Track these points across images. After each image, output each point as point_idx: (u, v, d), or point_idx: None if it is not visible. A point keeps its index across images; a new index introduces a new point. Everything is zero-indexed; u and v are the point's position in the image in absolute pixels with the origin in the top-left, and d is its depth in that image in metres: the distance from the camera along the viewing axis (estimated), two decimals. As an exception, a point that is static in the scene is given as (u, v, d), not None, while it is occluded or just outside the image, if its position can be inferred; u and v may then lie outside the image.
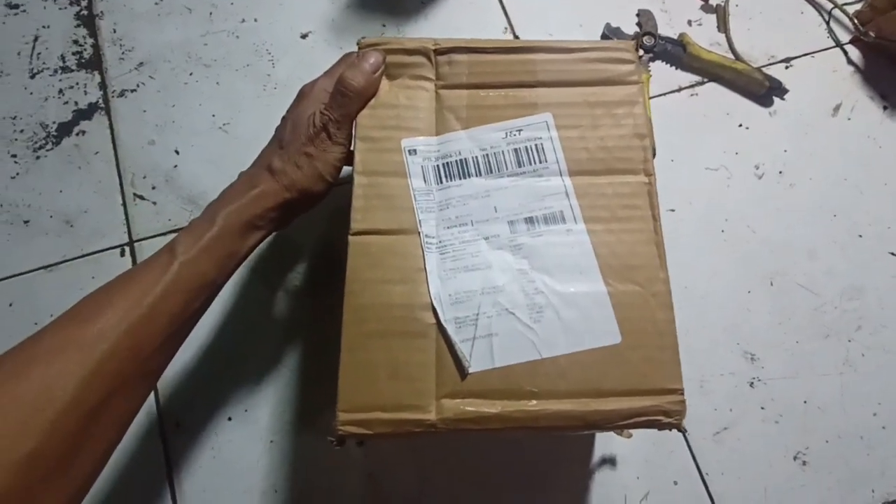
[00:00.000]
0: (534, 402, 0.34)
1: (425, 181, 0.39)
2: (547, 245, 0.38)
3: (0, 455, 0.26)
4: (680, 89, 0.59)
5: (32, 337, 0.30)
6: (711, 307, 0.52)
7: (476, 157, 0.40)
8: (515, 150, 0.40)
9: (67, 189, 0.55)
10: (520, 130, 0.40)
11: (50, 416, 0.28)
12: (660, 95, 0.59)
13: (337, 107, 0.39)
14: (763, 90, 0.58)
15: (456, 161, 0.40)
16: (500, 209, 0.39)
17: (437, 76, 0.41)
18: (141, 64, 0.60)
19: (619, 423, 0.34)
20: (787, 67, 0.60)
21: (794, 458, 0.49)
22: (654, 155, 0.54)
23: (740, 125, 0.58)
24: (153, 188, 0.56)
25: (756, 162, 0.57)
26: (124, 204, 0.55)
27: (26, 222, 0.54)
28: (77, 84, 0.59)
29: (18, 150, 0.57)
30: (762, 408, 0.50)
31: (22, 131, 0.57)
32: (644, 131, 0.40)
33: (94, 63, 0.60)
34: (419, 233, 0.38)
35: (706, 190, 0.56)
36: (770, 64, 0.60)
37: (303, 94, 0.42)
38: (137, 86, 0.59)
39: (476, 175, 0.39)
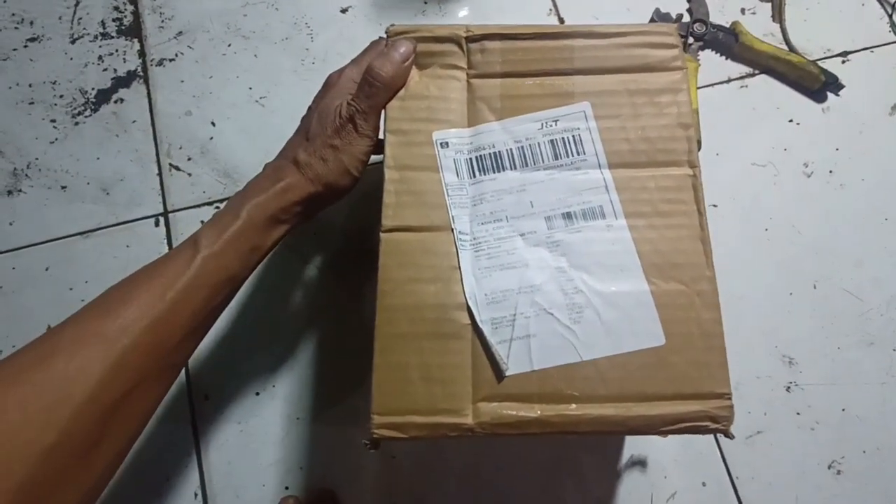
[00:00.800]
0: (574, 406, 0.32)
1: (458, 175, 0.37)
2: (586, 242, 0.36)
3: (21, 447, 0.26)
4: (729, 80, 0.56)
5: (55, 328, 0.30)
6: (750, 308, 0.50)
7: (510, 149, 0.38)
8: (552, 141, 0.38)
9: (105, 156, 0.55)
10: (556, 121, 0.38)
11: (71, 409, 0.27)
12: (707, 86, 0.56)
13: (364, 97, 0.37)
14: (817, 85, 0.55)
15: (489, 154, 0.38)
16: (537, 204, 0.37)
17: (469, 65, 0.39)
18: (180, 33, 0.59)
19: (664, 428, 0.32)
20: (843, 62, 0.56)
21: (829, 467, 0.47)
22: (699, 147, 0.51)
23: (791, 120, 0.55)
24: (189, 159, 0.55)
25: (805, 160, 0.54)
26: (160, 174, 0.55)
27: (64, 188, 0.54)
28: (116, 51, 0.59)
29: (58, 116, 0.57)
30: (798, 413, 0.48)
31: (62, 97, 0.57)
32: (689, 120, 0.38)
33: (134, 30, 0.59)
34: (452, 229, 0.36)
35: (751, 186, 0.53)
36: (826, 58, 0.56)
37: (329, 84, 0.40)
38: (176, 55, 0.58)
39: (511, 168, 0.37)
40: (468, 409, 0.32)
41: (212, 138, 0.56)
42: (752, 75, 0.56)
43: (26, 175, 0.55)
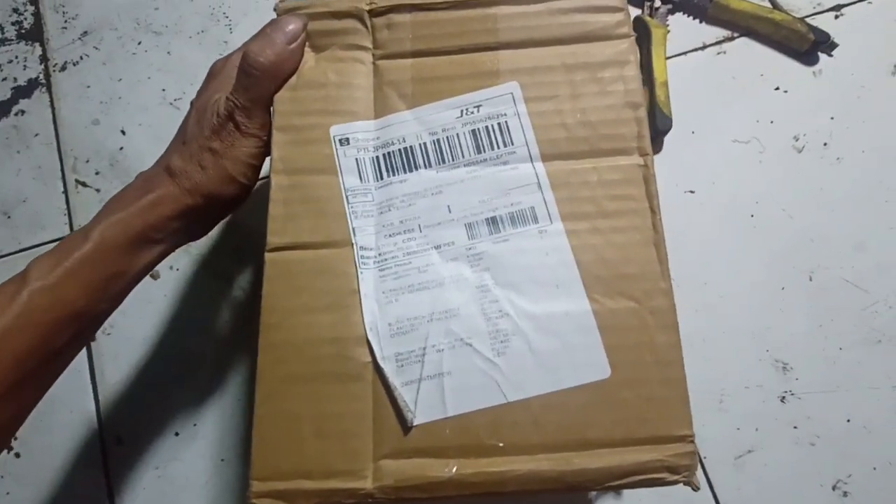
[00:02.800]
0: (499, 459, 0.25)
1: (361, 178, 0.30)
2: (514, 253, 0.28)
3: None
4: (704, 47, 0.48)
5: None
6: (736, 307, 0.42)
7: (424, 143, 0.30)
8: (473, 131, 0.30)
9: (4, 176, 0.49)
10: (478, 106, 0.30)
11: None
12: (679, 55, 0.47)
13: (243, 90, 0.30)
14: (806, 45, 0.46)
15: (399, 150, 0.30)
16: (456, 209, 0.29)
17: (375, 44, 0.32)
18: (85, 33, 0.52)
19: (611, 483, 0.25)
20: (836, 17, 0.48)
21: (834, 487, 0.39)
22: (669, 126, 0.44)
23: (777, 88, 0.46)
24: (97, 173, 0.49)
25: (795, 132, 0.45)
26: (66, 192, 0.49)
27: None
28: (17, 58, 0.52)
29: None
30: (795, 427, 0.40)
31: None
32: (638, 98, 0.30)
33: (35, 33, 0.53)
34: (353, 244, 0.29)
35: (733, 167, 0.45)
36: (816, 13, 0.48)
37: (212, 74, 0.33)
38: (81, 58, 0.52)
39: (425, 166, 0.30)
40: (368, 470, 0.26)
41: (122, 148, 0.49)
42: (731, 39, 0.48)
43: (-84, 200, 0.48)
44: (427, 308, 0.28)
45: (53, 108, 0.50)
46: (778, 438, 0.40)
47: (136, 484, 0.42)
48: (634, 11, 0.47)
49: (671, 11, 0.48)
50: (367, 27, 0.32)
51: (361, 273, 0.28)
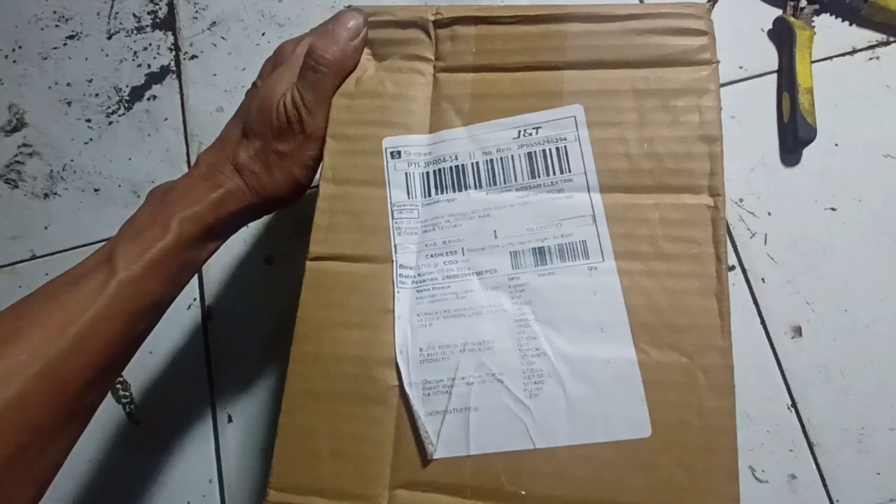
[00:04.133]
0: (519, 508, 0.23)
1: (409, 194, 0.29)
2: (560, 288, 0.26)
3: None
4: (854, 51, 0.42)
5: None
6: (881, 339, 0.37)
7: (477, 162, 0.28)
8: (529, 154, 0.28)
9: (136, 157, 0.51)
10: (537, 128, 0.28)
11: None
12: (824, 59, 0.42)
13: (309, 86, 0.29)
14: None
15: (451, 167, 0.29)
16: (502, 234, 0.27)
17: (437, 55, 0.30)
18: (214, 23, 0.54)
19: (638, 553, 0.22)
20: None
21: None
22: (813, 137, 0.39)
23: None
24: None
25: None
26: None
27: (97, 190, 0.51)
28: (150, 45, 0.55)
29: (93, 115, 0.53)
30: None
31: (97, 95, 0.54)
32: (715, 132, 0.27)
33: (168, 23, 0.55)
34: (393, 261, 0.27)
35: (882, 183, 0.40)
36: None
37: (279, 58, 0.32)
38: (209, 47, 0.53)
39: (475, 187, 0.28)
40: (383, 497, 0.24)
41: (242, 136, 0.50)
42: (886, 44, 0.42)
43: (62, 177, 0.52)
44: (461, 337, 0.26)
45: (182, 95, 0.52)
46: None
47: (243, 462, 0.42)
48: (775, 12, 0.43)
49: (818, 12, 0.43)
50: (430, 38, 0.30)
51: (398, 292, 0.27)
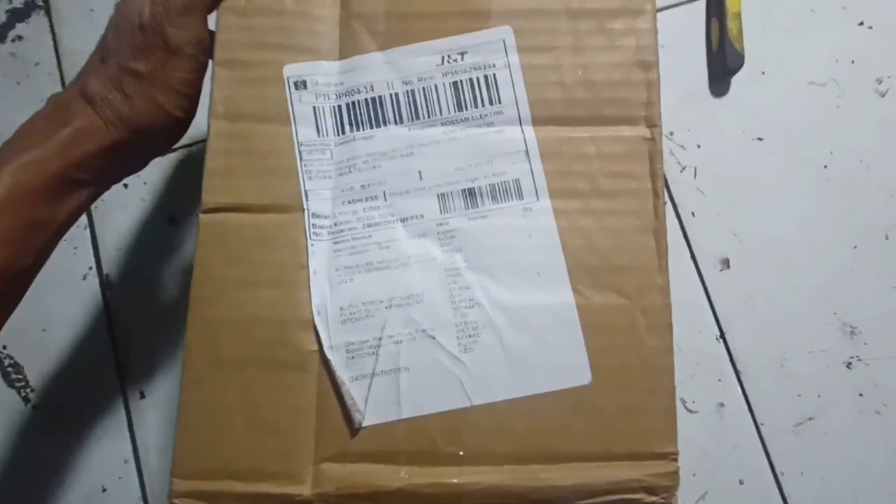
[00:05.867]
0: (458, 469, 0.21)
1: (318, 131, 0.24)
2: (493, 231, 0.23)
3: None
4: None
5: None
6: (803, 266, 0.37)
7: (396, 94, 0.24)
8: (455, 84, 0.24)
9: (6, 108, 0.42)
10: (463, 53, 0.24)
11: None
12: None
13: None
14: None
15: (366, 100, 0.24)
16: (428, 175, 0.24)
17: (344, -34, 0.25)
18: None
19: (581, 502, 0.21)
20: None
21: None
22: (740, 65, 0.36)
23: (861, 23, 0.39)
24: None
25: (879, 74, 0.39)
26: None
27: None
28: None
29: None
30: (860, 395, 0.36)
31: None
32: (651, 57, 0.24)
33: None
34: (304, 210, 0.23)
35: (807, 111, 0.39)
36: None
37: None
38: None
39: (395, 122, 0.24)
40: (306, 473, 0.21)
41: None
42: None
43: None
44: (387, 291, 0.23)
45: (54, 34, 0.42)
46: (841, 406, 0.36)
47: (161, 439, 0.37)
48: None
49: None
50: (335, -56, 0.25)
51: (312, 245, 0.23)
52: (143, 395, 0.38)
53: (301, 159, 0.24)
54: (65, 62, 0.42)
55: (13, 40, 0.43)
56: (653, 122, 0.24)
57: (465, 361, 0.22)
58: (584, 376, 0.22)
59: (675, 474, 0.21)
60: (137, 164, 0.28)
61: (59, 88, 0.42)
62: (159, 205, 0.39)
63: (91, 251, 0.39)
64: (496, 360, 0.22)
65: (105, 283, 0.39)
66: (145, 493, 0.37)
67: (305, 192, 0.24)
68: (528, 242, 0.23)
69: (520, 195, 0.24)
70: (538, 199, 0.23)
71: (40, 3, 0.43)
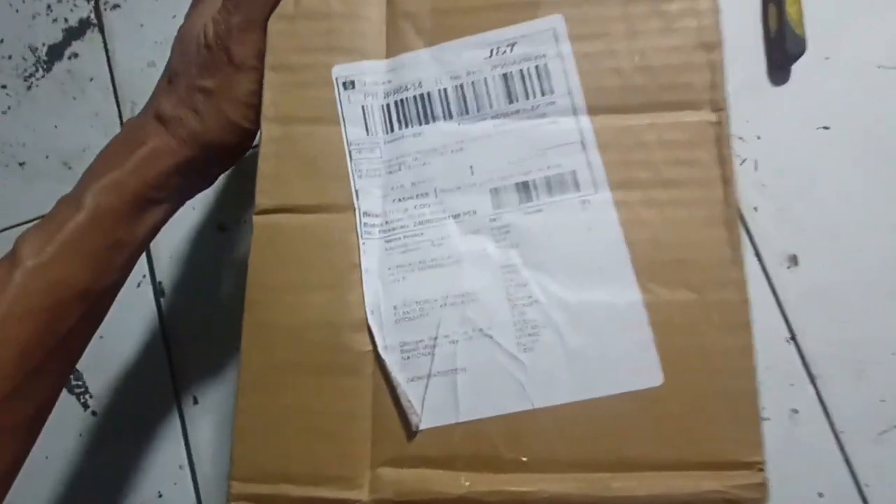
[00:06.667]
0: (521, 476, 0.20)
1: (368, 130, 0.24)
2: (549, 227, 0.22)
3: None
4: None
5: None
6: (877, 261, 0.34)
7: (444, 89, 0.24)
8: (505, 76, 0.24)
9: (63, 124, 0.44)
10: (512, 45, 0.24)
11: None
12: None
13: (233, 7, 0.24)
14: None
15: (415, 97, 0.24)
16: (480, 170, 0.23)
17: (390, -34, 0.25)
18: None
19: (655, 513, 0.19)
20: None
21: None
22: (803, 50, 0.34)
23: None
24: None
25: None
26: None
27: (21, 164, 0.44)
28: None
29: (8, 80, 0.45)
30: None
31: (10, 57, 0.46)
32: (714, 37, 0.23)
33: None
34: (355, 209, 0.23)
35: (876, 97, 0.35)
36: None
37: None
38: None
39: (444, 118, 0.24)
40: (363, 478, 0.21)
41: (181, 91, 0.43)
42: None
43: (-22, 153, 0.44)
44: (440, 290, 0.22)
45: (107, 50, 0.44)
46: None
47: (215, 445, 0.37)
48: None
49: None
50: (380, -56, 0.25)
51: (364, 244, 0.22)
52: (196, 401, 0.38)
53: (351, 159, 0.23)
54: (118, 76, 0.44)
55: (69, 58, 0.45)
56: (718, 106, 0.22)
57: (525, 361, 0.21)
58: (654, 378, 0.20)
59: (762, 486, 0.20)
60: (209, 180, 0.28)
61: (112, 103, 0.43)
62: (208, 213, 0.40)
63: (145, 260, 0.40)
64: (557, 360, 0.21)
65: (158, 290, 0.40)
66: (200, 499, 0.37)
67: (356, 190, 0.23)
68: (588, 237, 0.22)
69: (577, 187, 0.22)
70: (596, 191, 0.22)
71: (94, 21, 0.45)
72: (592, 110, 0.23)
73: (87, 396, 0.39)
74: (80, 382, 0.39)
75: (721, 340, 0.21)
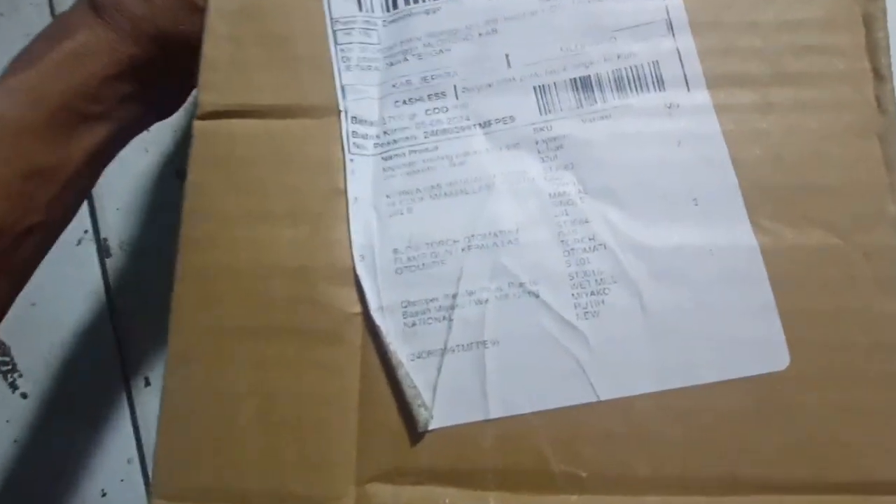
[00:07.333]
0: (576, 499, 0.14)
1: (360, 2, 0.17)
2: (620, 139, 0.15)
3: None
4: None
5: None
6: None
7: (470, -54, 0.17)
8: (557, -74, 0.17)
9: None
10: None
11: None
12: None
13: None
14: None
15: (427, -42, 0.17)
16: (519, 60, 0.16)
17: None
18: None
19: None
20: None
21: None
22: None
23: None
24: None
25: None
26: None
27: None
28: None
29: None
30: None
31: None
32: None
33: None
34: (340, 113, 0.16)
35: None
36: None
37: None
38: None
39: (469, -13, 0.17)
40: (347, 497, 0.14)
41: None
42: None
43: None
44: (463, 226, 0.15)
45: None
46: None
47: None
48: None
49: None
50: None
51: (352, 161, 0.16)
52: (148, 383, 0.32)
53: (336, 43, 0.17)
54: (55, -13, 0.37)
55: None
56: (868, -31, 0.16)
57: (586, 333, 0.14)
58: (778, 358, 0.14)
59: (937, 519, 0.13)
60: (166, 95, 0.21)
61: (48, 18, 0.36)
62: (165, 156, 0.33)
63: (86, 211, 0.33)
64: (633, 331, 0.14)
65: (103, 249, 0.33)
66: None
67: (342, 87, 0.16)
68: (678, 154, 0.15)
69: (661, 85, 0.16)
70: (689, 89, 0.16)
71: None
72: (682, -23, 0.16)
73: (15, 375, 0.32)
74: (6, 359, 0.32)
75: (874, 303, 0.14)
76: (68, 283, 0.32)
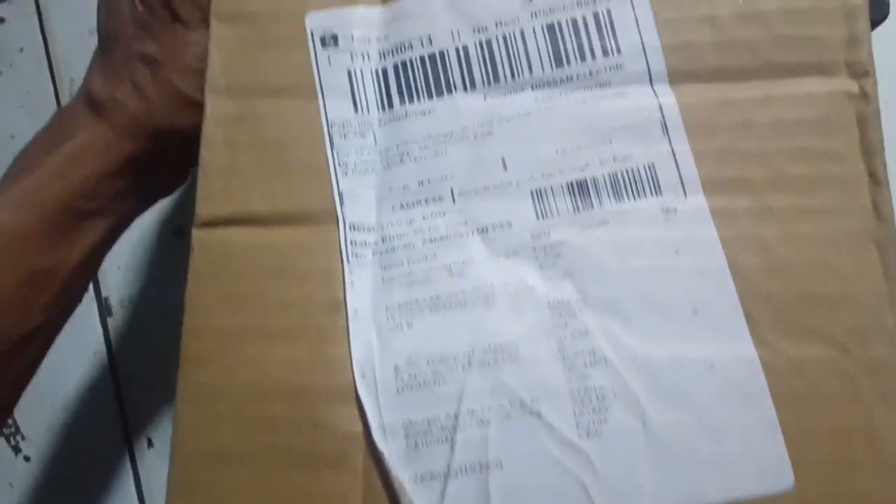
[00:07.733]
0: None
1: (356, 105, 0.17)
2: (618, 248, 0.15)
3: None
4: None
5: None
6: None
7: (464, 47, 0.17)
8: (550, 27, 0.17)
9: None
10: (562, -17, 0.17)
11: None
12: None
13: None
14: None
15: (422, 58, 0.17)
16: (516, 163, 0.16)
17: None
18: None
19: None
20: None
21: None
22: (886, 13, 0.28)
23: None
24: None
25: None
26: None
27: None
28: None
29: None
30: None
31: None
32: (851, -27, 0.16)
33: None
34: (338, 220, 0.16)
35: None
36: None
37: None
38: None
39: (465, 88, 0.17)
40: None
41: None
42: None
43: None
44: (463, 341, 0.15)
45: (40, 16, 0.37)
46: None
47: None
48: None
49: None
50: None
51: (351, 272, 0.16)
52: (151, 444, 0.32)
53: (333, 146, 0.17)
54: (53, 46, 0.36)
55: (-6, 24, 0.38)
56: (862, 70, 0.16)
57: (590, 453, 0.14)
58: (781, 479, 0.14)
59: None
60: (165, 182, 0.22)
61: (46, 78, 0.36)
62: (165, 216, 0.33)
63: (88, 272, 0.33)
64: (636, 451, 0.14)
65: (105, 309, 0.33)
66: (154, 565, 0.31)
67: (339, 193, 0.16)
68: (676, 263, 0.15)
69: (657, 189, 0.16)
70: (686, 194, 0.16)
71: (24, -17, 0.38)
72: (677, 77, 0.16)
73: (18, 438, 0.32)
74: (9, 422, 0.32)
75: (877, 418, 0.14)
76: (70, 344, 0.32)
